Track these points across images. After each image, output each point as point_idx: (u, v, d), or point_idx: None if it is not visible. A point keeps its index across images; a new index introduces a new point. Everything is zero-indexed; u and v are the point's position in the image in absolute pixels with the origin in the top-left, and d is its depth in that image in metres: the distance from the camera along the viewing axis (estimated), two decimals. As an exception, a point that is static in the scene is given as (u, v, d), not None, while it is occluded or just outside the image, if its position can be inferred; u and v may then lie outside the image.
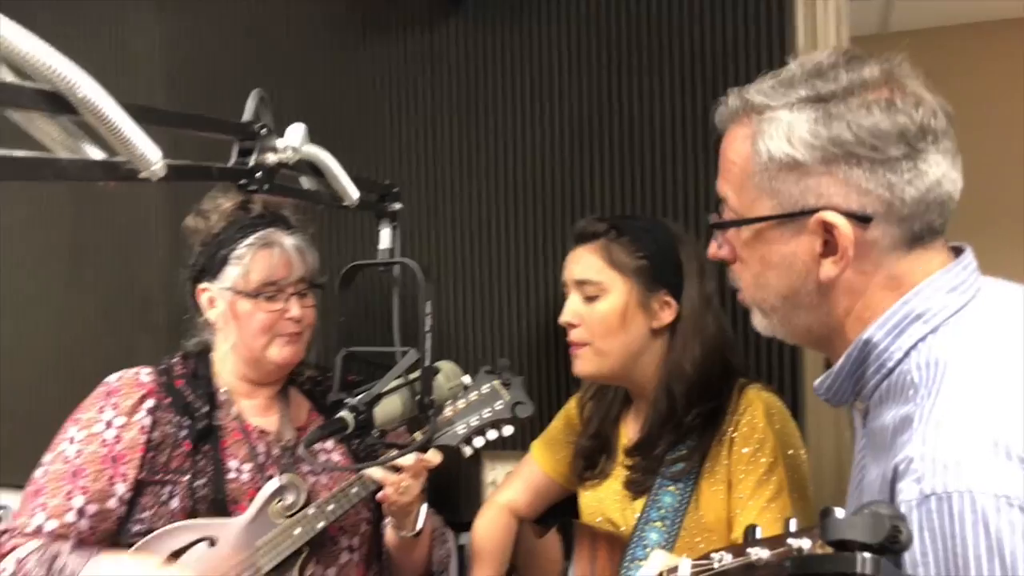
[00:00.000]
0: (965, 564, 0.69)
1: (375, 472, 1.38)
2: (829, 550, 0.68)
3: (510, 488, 1.66)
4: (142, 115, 0.63)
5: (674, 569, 0.85)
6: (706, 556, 0.82)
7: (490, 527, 1.60)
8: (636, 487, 1.40)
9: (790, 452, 1.30)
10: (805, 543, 0.72)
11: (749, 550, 0.77)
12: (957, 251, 0.88)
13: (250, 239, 1.45)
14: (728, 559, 0.79)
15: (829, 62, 0.84)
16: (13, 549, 1.36)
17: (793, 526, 0.74)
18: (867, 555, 0.64)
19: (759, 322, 0.94)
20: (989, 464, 0.70)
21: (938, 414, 0.75)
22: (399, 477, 1.38)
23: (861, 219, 0.81)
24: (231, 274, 1.45)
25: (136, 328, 2.11)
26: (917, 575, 0.71)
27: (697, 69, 1.67)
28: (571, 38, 1.74)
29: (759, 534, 0.78)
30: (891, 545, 0.64)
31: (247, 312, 1.45)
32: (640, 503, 1.38)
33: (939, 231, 0.85)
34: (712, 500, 1.32)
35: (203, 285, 1.49)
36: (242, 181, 0.82)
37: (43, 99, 0.54)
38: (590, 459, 1.51)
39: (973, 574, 0.68)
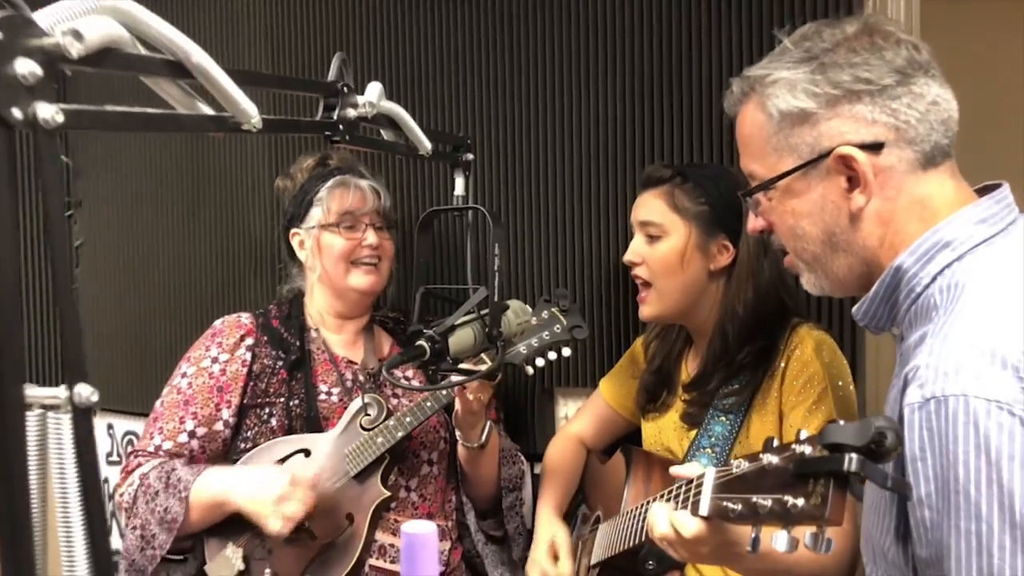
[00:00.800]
0: (955, 459, 0.76)
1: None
2: (827, 454, 0.78)
3: (579, 420, 1.79)
4: (243, 78, 0.76)
5: (702, 475, 0.96)
6: (727, 463, 0.92)
7: (560, 452, 1.73)
8: (691, 419, 1.50)
9: (839, 383, 1.37)
10: (808, 448, 0.81)
11: (762, 456, 0.86)
12: (991, 188, 0.93)
13: (329, 182, 1.65)
14: (745, 465, 0.89)
15: (812, 30, 0.93)
16: (138, 466, 1.58)
17: (802, 436, 0.83)
18: (854, 455, 0.73)
19: (807, 281, 1.01)
20: (984, 372, 0.77)
21: (947, 329, 0.82)
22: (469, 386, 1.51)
23: (874, 147, 0.88)
24: (315, 214, 1.65)
25: (245, 270, 2.32)
26: (916, 468, 0.79)
27: (766, 24, 1.70)
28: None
29: (774, 444, 0.87)
30: (876, 448, 0.73)
31: (329, 242, 1.63)
32: (694, 433, 1.48)
33: (947, 151, 0.91)
34: (762, 430, 1.40)
35: (293, 230, 1.69)
36: (327, 132, 0.95)
37: (167, 67, 0.68)
38: (652, 393, 1.61)
39: (961, 468, 0.76)
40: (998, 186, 0.93)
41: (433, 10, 2.00)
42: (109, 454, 2.73)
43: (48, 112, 0.53)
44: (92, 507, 0.54)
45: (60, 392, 0.55)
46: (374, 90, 1.04)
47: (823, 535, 0.78)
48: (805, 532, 0.80)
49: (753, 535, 0.88)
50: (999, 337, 0.79)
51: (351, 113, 0.97)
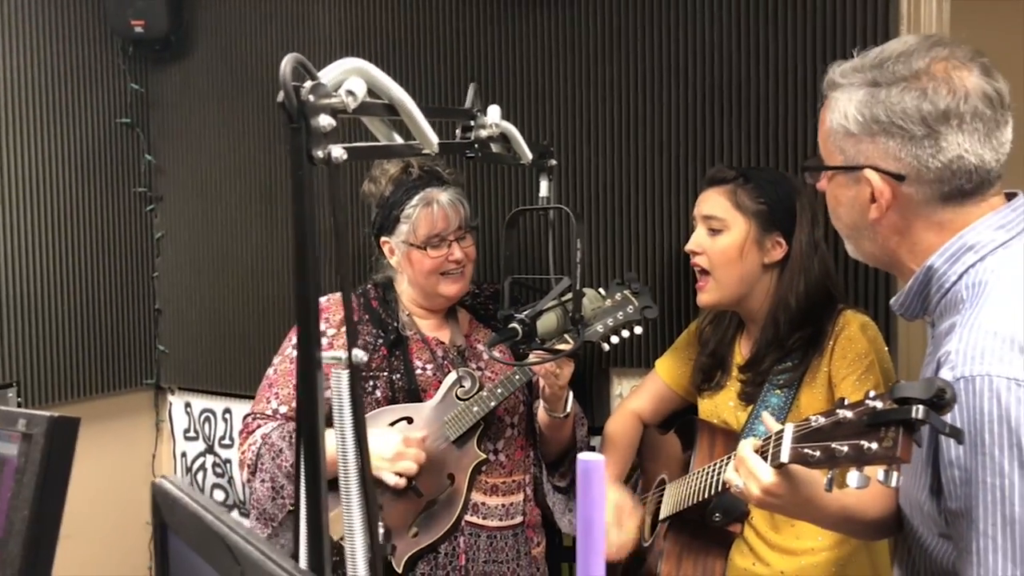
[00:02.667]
0: (982, 427, 0.94)
1: (535, 362, 1.70)
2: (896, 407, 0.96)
3: (637, 397, 1.98)
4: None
5: (781, 431, 1.15)
6: (805, 419, 1.11)
7: (620, 426, 1.93)
8: (747, 397, 1.69)
9: (882, 358, 1.56)
10: (878, 403, 0.99)
11: (837, 411, 1.05)
12: (1010, 196, 1.11)
13: (414, 200, 1.77)
14: (822, 419, 1.07)
15: (889, 56, 1.07)
16: (259, 427, 1.78)
17: (872, 394, 1.02)
18: (920, 406, 0.92)
19: (848, 247, 1.20)
20: (1005, 355, 0.94)
21: (973, 320, 1.00)
22: (551, 366, 1.70)
23: (896, 177, 1.06)
24: (403, 230, 1.79)
25: (322, 267, 2.51)
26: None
27: (810, 37, 1.90)
28: (703, 10, 1.99)
29: (846, 402, 1.06)
30: (938, 400, 0.92)
31: (419, 259, 1.80)
32: (751, 408, 1.68)
33: (971, 193, 1.06)
34: (812, 401, 1.59)
35: (384, 238, 1.85)
36: (466, 151, 1.16)
37: (383, 108, 0.88)
38: (707, 373, 1.80)
39: (987, 434, 0.93)
40: (1015, 195, 1.11)
41: (511, 23, 2.18)
42: (187, 430, 2.94)
43: (338, 152, 0.73)
44: (361, 435, 0.75)
45: (341, 354, 0.76)
46: (495, 112, 1.24)
47: (892, 472, 0.96)
48: (877, 471, 0.98)
49: (829, 476, 1.06)
50: (1017, 327, 0.96)
51: (482, 133, 1.17)
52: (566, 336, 1.64)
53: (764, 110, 1.96)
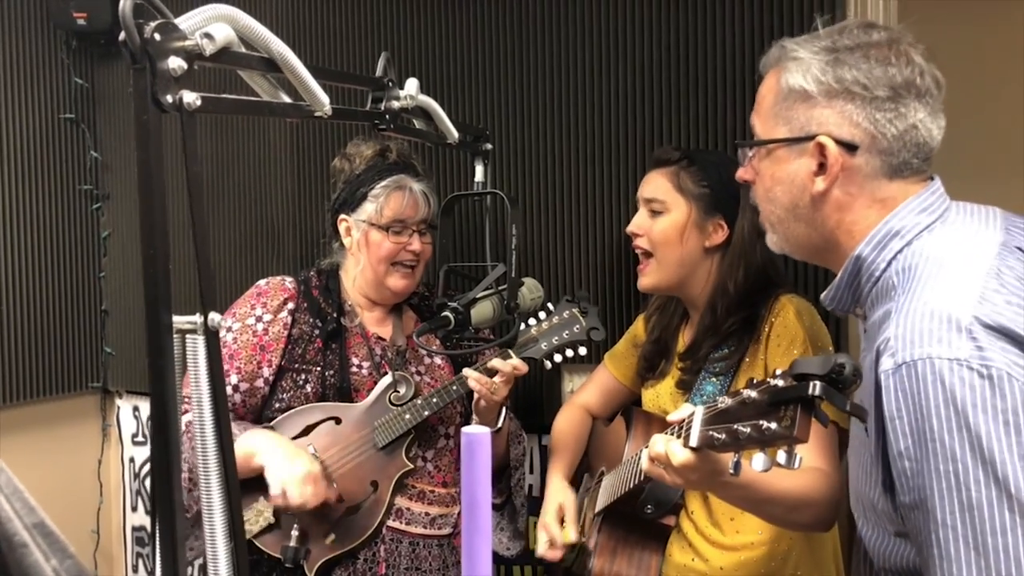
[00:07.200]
0: (928, 413, 0.89)
1: (472, 374, 1.66)
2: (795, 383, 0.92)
3: (585, 391, 1.94)
4: (314, 72, 0.91)
5: (692, 413, 1.11)
6: (714, 401, 1.07)
7: (567, 421, 1.88)
8: (685, 385, 1.64)
9: (819, 345, 1.51)
10: (780, 382, 0.95)
11: (743, 391, 1.01)
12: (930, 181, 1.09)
13: (386, 181, 1.73)
14: (729, 400, 1.03)
15: (847, 27, 1.06)
16: (185, 413, 1.68)
17: (778, 372, 0.98)
18: (818, 382, 0.88)
19: (770, 240, 1.16)
20: (944, 336, 0.90)
21: (908, 305, 0.96)
22: (492, 380, 1.66)
23: (849, 146, 1.03)
24: (368, 209, 1.73)
25: (266, 255, 2.45)
26: (895, 426, 0.91)
27: (765, 20, 1.86)
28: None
29: (755, 382, 1.02)
30: (837, 376, 0.88)
31: (377, 242, 1.73)
32: (687, 396, 1.63)
33: (917, 170, 1.05)
34: (749, 389, 1.55)
35: (343, 216, 1.77)
36: (376, 121, 1.10)
37: (263, 63, 0.83)
38: (651, 361, 1.75)
39: (934, 420, 0.89)
40: (932, 178, 1.09)
41: (452, 10, 2.15)
42: (135, 435, 2.86)
43: (191, 98, 0.68)
44: (219, 403, 0.69)
45: (196, 319, 0.70)
46: (412, 85, 1.19)
47: (793, 453, 0.92)
48: (778, 452, 0.94)
49: (735, 459, 1.02)
50: (952, 307, 0.93)
51: (395, 104, 1.12)
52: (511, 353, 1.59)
53: (709, 94, 1.92)
